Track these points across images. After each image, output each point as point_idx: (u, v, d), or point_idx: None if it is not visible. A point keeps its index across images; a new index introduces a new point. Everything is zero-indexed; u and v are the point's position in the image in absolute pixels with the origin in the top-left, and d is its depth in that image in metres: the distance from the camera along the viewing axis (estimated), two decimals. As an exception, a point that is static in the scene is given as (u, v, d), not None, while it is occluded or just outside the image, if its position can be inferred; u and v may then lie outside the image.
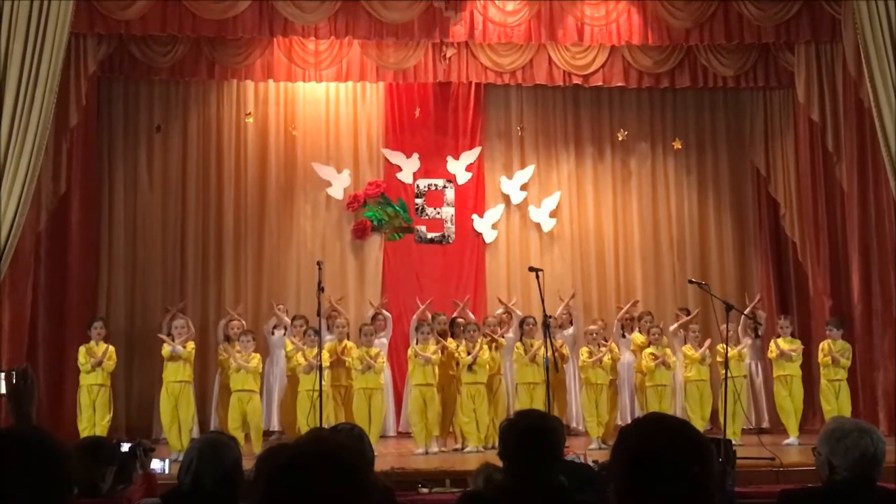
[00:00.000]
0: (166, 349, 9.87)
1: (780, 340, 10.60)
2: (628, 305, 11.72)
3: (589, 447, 9.69)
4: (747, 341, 11.01)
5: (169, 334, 10.15)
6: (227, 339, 10.56)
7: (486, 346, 10.17)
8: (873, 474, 3.40)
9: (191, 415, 9.85)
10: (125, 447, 4.72)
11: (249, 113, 12.14)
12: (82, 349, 9.83)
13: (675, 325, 11.33)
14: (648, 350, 10.51)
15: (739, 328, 10.93)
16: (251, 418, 9.87)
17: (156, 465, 5.41)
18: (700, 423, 10.04)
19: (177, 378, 9.82)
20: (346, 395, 10.26)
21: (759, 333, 11.24)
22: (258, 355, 10.16)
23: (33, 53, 9.26)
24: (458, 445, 10.19)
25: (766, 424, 11.39)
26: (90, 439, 5.13)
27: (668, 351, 10.51)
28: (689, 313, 11.49)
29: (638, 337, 11.02)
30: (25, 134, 9.20)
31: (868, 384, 10.58)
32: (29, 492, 1.96)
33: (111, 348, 9.95)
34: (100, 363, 9.74)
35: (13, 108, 9.20)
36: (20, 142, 9.19)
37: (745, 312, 10.78)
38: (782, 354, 10.47)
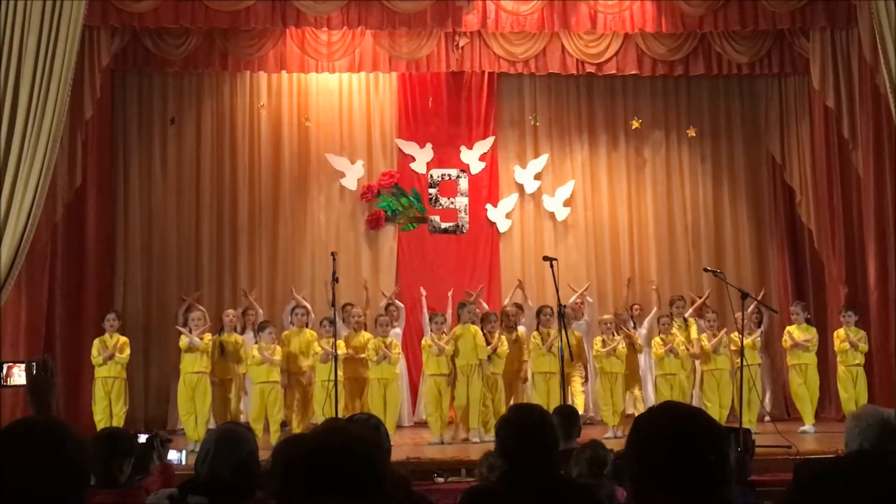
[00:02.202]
0: (184, 341, 9.88)
1: (793, 329, 10.55)
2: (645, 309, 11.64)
3: (604, 436, 9.68)
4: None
5: (185, 325, 10.19)
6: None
7: (504, 338, 10.17)
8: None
9: (207, 405, 9.86)
10: (142, 438, 4.75)
11: (263, 105, 12.18)
12: (96, 342, 9.86)
13: (690, 309, 11.27)
14: (657, 338, 10.48)
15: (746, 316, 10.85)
16: (271, 409, 9.91)
17: (173, 455, 5.45)
18: (717, 412, 10.00)
19: (194, 369, 9.84)
20: (363, 386, 10.27)
21: (763, 327, 11.13)
22: (280, 348, 10.19)
23: (47, 47, 9.29)
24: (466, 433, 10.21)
25: (768, 407, 11.26)
26: (107, 431, 5.16)
27: (679, 340, 10.45)
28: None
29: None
30: (41, 127, 9.24)
31: (885, 371, 10.51)
32: (47, 483, 1.97)
33: (123, 340, 9.93)
34: (111, 356, 9.77)
35: (28, 102, 9.25)
36: (35, 135, 9.23)
37: (758, 300, 10.72)
38: (796, 345, 10.42)
